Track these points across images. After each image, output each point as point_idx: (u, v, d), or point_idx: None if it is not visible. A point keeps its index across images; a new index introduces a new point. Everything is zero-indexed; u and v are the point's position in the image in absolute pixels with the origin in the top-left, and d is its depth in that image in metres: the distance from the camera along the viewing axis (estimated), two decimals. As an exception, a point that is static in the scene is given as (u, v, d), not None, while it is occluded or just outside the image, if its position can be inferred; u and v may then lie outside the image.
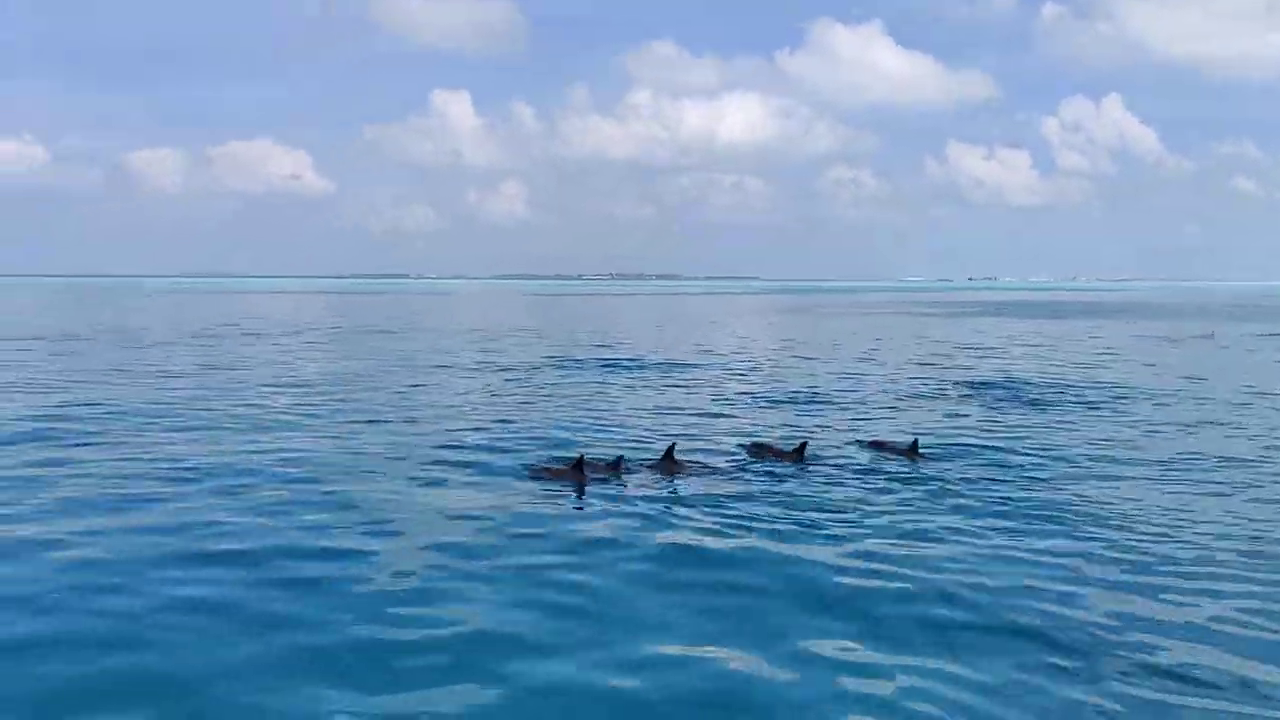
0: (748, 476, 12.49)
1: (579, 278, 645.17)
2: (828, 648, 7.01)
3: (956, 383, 22.88)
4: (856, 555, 9.14)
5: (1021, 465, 13.46)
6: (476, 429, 16.13)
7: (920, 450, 13.82)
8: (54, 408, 18.03)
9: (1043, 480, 12.49)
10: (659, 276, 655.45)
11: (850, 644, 7.11)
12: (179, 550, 9.07)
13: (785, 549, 9.27)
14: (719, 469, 12.93)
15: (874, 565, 8.84)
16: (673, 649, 6.95)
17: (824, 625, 7.45)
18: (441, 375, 25.08)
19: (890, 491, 11.75)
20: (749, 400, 20.33)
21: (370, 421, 16.91)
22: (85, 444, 14.38)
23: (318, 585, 8.20)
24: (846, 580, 8.42)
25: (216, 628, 7.26)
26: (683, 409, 19.03)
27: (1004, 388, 22.27)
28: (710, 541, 9.54)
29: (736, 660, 6.77)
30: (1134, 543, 9.55)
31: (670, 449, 12.93)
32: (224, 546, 9.24)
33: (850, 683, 6.48)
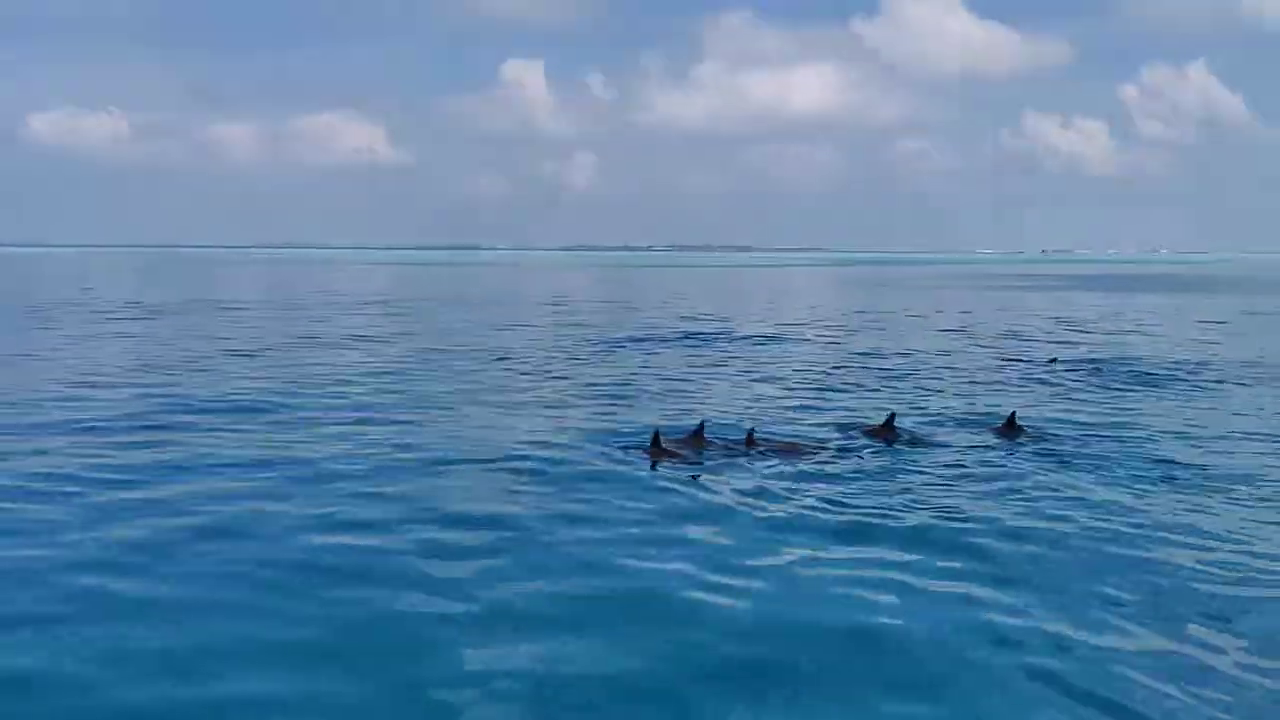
0: (855, 455, 12.37)
1: (648, 248, 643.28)
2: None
3: (1052, 360, 22.36)
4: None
5: (1140, 440, 13.32)
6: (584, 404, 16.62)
7: (1018, 425, 13.65)
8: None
9: (1171, 457, 12.29)
10: (727, 248, 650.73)
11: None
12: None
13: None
14: (823, 444, 12.92)
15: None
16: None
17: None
18: (538, 349, 25.50)
19: (1007, 465, 11.75)
20: (848, 374, 20.38)
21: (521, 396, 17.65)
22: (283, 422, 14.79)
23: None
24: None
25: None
26: (781, 381, 19.26)
27: (1101, 363, 21.89)
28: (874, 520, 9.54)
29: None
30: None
31: (751, 433, 12.93)
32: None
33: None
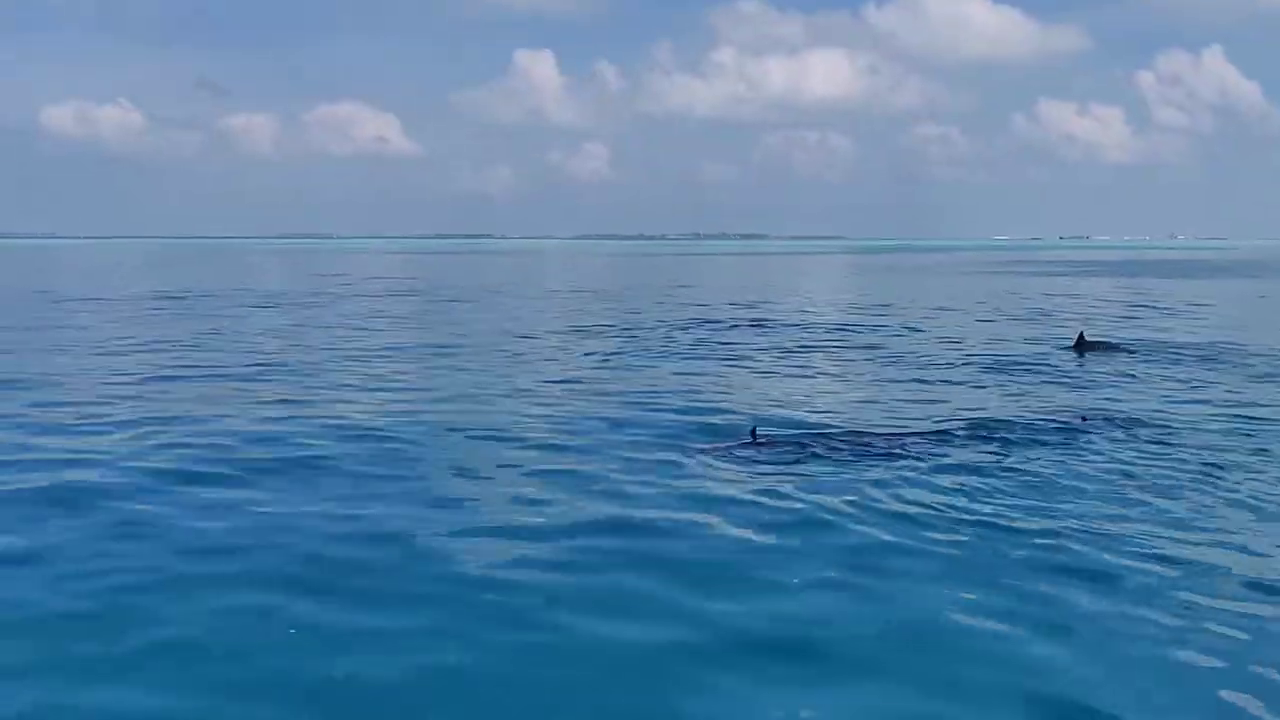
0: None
1: (662, 237, 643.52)
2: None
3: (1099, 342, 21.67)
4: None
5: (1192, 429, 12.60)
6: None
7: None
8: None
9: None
10: (744, 236, 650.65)
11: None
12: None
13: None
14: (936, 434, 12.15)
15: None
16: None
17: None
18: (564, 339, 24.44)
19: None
20: (921, 368, 19.33)
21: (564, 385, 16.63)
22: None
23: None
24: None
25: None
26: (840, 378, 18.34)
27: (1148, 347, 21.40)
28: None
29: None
30: None
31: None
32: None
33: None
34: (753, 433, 11.63)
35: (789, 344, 22.97)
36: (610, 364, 19.44)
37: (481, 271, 76.76)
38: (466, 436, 12.33)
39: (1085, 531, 8.29)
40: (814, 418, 13.62)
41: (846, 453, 11.15)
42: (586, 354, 20.85)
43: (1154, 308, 34.62)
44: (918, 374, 18.09)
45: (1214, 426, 12.90)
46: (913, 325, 27.50)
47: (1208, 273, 71.77)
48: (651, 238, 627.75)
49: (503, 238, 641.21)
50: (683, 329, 26.21)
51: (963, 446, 11.51)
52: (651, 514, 8.99)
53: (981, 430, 12.37)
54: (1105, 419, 13.08)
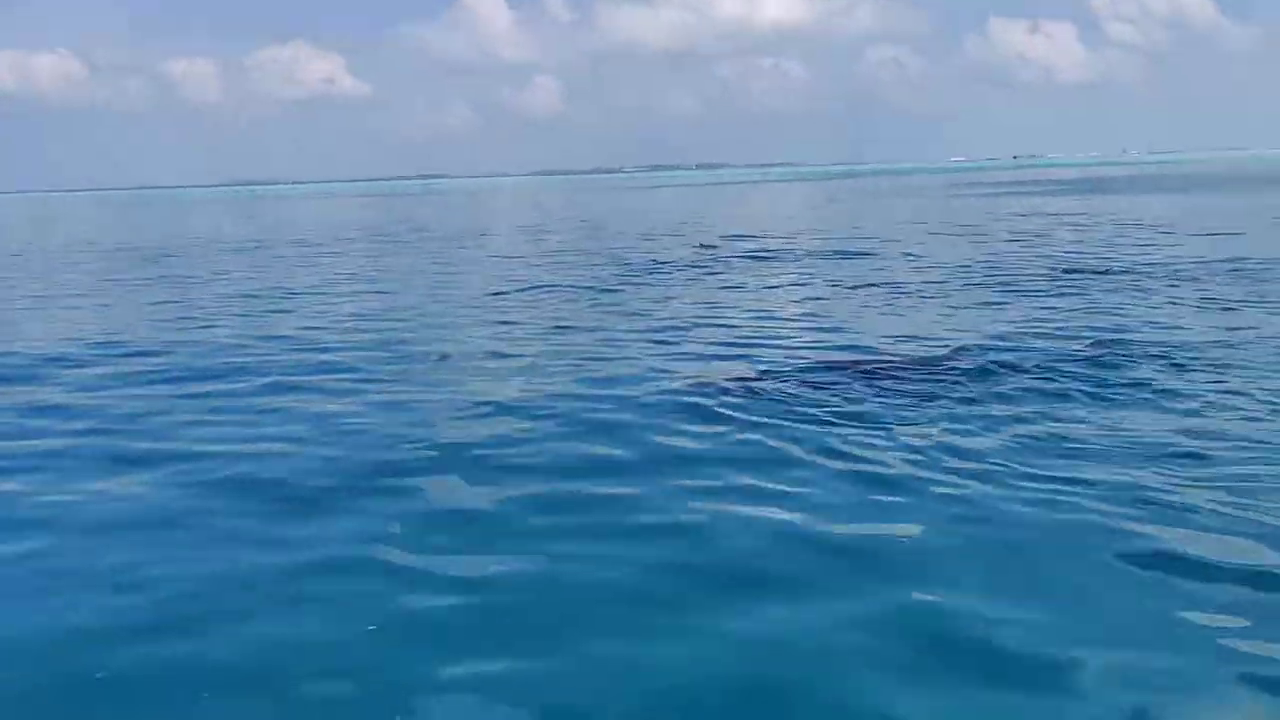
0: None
1: (619, 170, 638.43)
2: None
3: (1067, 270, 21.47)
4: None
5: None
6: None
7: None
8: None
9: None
10: (701, 166, 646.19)
11: None
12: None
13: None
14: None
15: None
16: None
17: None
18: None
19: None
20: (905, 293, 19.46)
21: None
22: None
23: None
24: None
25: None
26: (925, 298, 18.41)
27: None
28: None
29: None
30: None
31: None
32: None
33: None
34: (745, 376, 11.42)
35: (790, 274, 23.06)
36: (602, 303, 19.07)
37: (455, 213, 75.94)
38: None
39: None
40: (822, 349, 13.42)
41: (864, 387, 10.72)
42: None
43: (1141, 226, 34.82)
44: (922, 301, 18.15)
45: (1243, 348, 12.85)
46: (909, 251, 27.66)
47: (1177, 188, 72.17)
48: (609, 171, 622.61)
49: (457, 177, 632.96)
50: (680, 261, 26.31)
51: (982, 378, 10.99)
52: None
53: (1000, 358, 11.94)
54: (1118, 343, 12.84)
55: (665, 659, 5.15)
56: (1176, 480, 7.49)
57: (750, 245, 30.57)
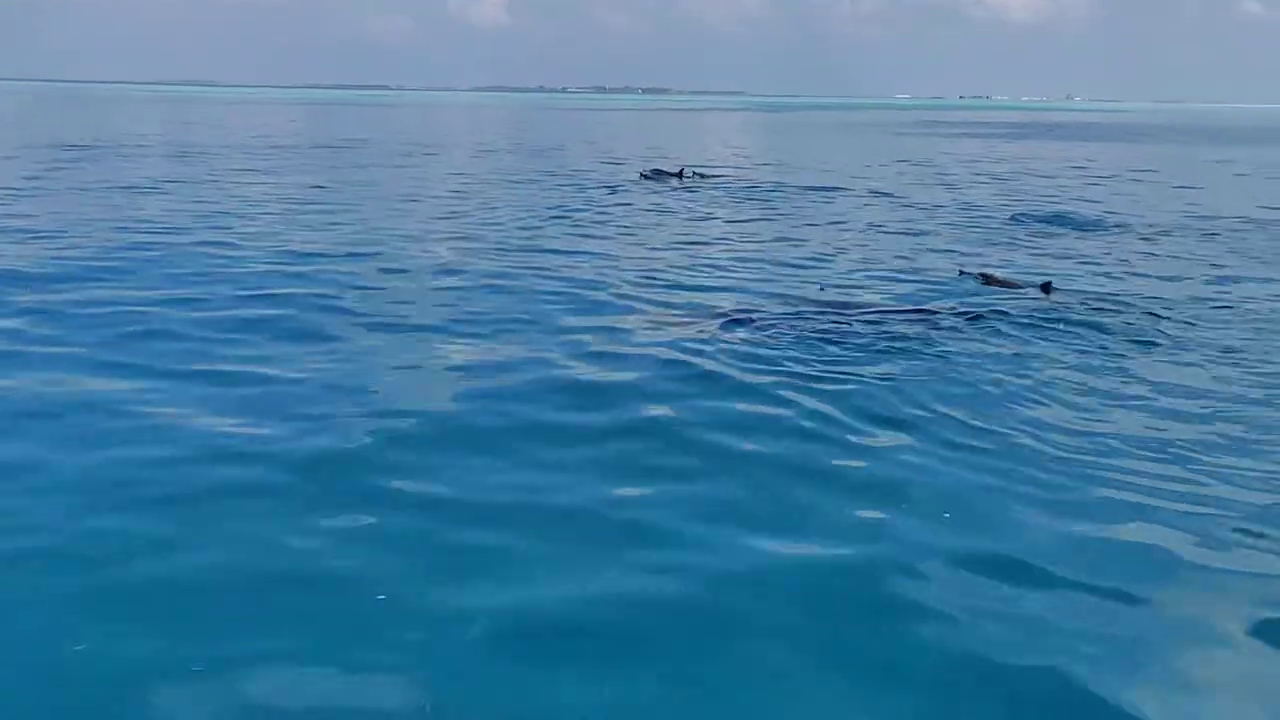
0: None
1: (564, 90, 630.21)
2: None
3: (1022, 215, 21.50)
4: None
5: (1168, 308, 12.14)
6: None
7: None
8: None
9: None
10: (647, 90, 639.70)
11: None
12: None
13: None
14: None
15: None
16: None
17: None
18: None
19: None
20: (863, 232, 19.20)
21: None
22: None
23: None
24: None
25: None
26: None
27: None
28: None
29: None
30: None
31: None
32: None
33: None
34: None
35: (760, 210, 22.52)
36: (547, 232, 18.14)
37: (406, 126, 73.99)
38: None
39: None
40: (796, 292, 12.95)
41: (831, 332, 10.37)
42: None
43: (1116, 177, 34.77)
44: (894, 241, 17.95)
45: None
46: (880, 189, 27.38)
47: (1132, 137, 72.75)
48: (553, 90, 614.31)
49: (400, 89, 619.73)
50: (635, 187, 25.90)
51: (951, 328, 10.67)
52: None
53: (972, 307, 11.68)
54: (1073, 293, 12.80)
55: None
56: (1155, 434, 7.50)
57: (723, 177, 30.04)
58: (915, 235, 18.52)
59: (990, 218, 21.17)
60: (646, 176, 28.20)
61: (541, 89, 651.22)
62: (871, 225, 19.80)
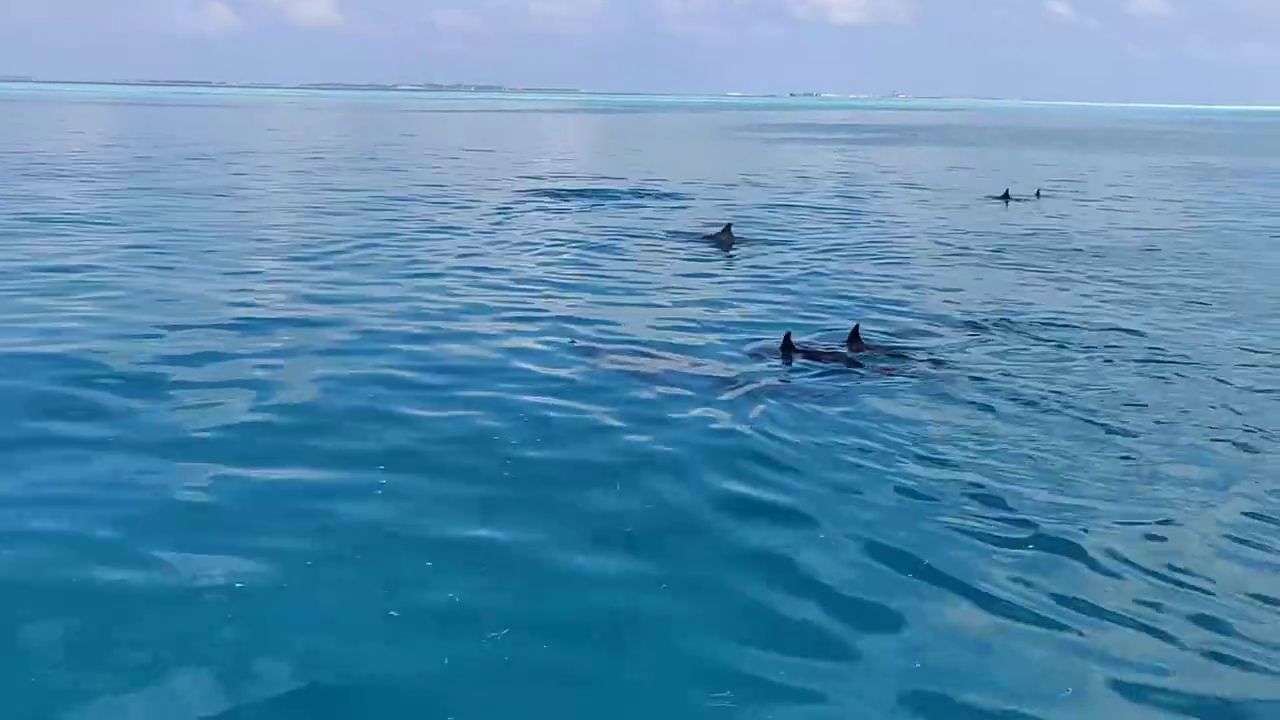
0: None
1: (395, 88, 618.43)
2: None
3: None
4: None
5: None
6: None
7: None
8: None
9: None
10: (480, 88, 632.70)
11: None
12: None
13: None
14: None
15: None
16: None
17: None
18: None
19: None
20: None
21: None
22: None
23: None
24: None
25: None
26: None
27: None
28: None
29: None
30: None
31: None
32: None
33: None
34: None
35: (689, 225, 20.38)
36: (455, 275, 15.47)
37: (242, 130, 68.58)
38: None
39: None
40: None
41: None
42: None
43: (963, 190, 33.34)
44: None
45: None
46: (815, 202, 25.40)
47: (988, 140, 73.01)
48: (384, 88, 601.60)
49: (223, 85, 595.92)
50: (543, 204, 23.63)
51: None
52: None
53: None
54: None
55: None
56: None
57: (594, 187, 27.85)
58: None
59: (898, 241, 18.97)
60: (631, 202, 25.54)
61: (373, 86, 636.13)
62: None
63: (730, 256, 17.11)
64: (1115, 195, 30.66)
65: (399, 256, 16.41)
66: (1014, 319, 12.52)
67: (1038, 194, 28.47)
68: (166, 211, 21.47)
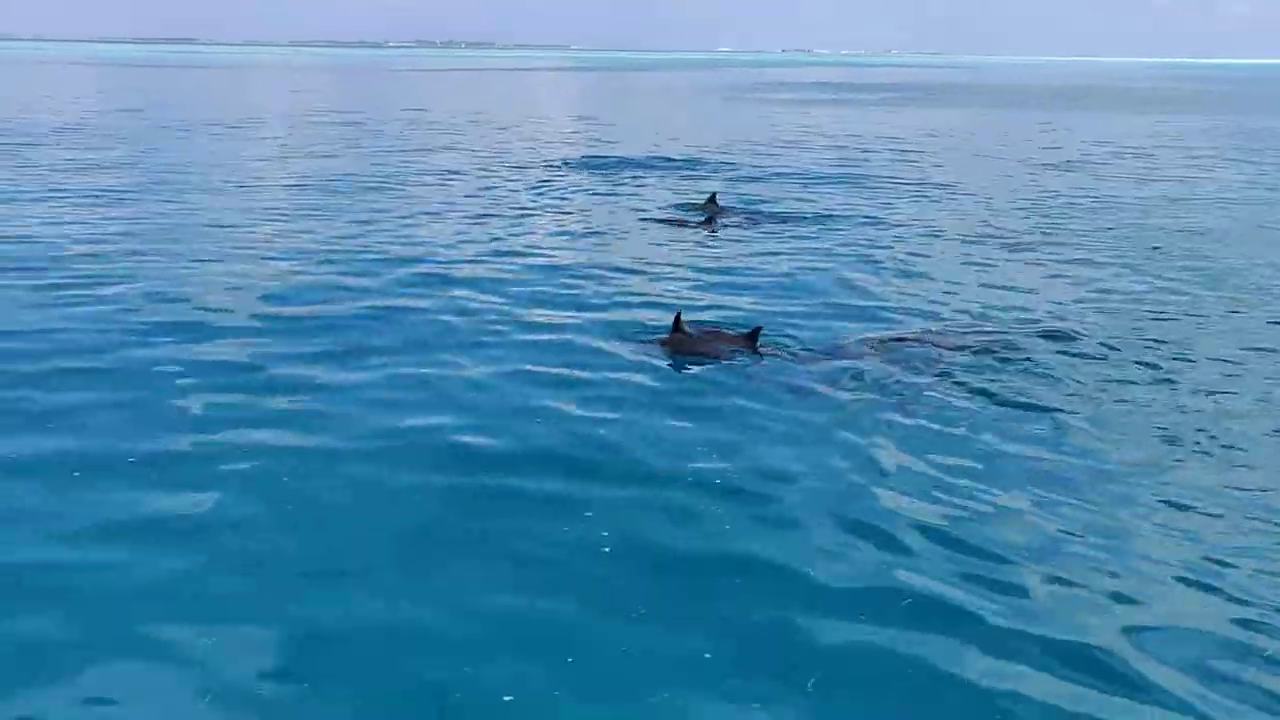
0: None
1: (385, 44, 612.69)
2: None
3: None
4: None
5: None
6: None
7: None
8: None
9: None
10: (470, 45, 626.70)
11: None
12: None
13: None
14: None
15: None
16: None
17: None
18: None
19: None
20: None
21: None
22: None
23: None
24: None
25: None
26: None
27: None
28: None
29: None
30: None
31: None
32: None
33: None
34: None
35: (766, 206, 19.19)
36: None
37: (272, 93, 67.02)
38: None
39: None
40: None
41: None
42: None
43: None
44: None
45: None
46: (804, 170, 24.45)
47: (1015, 103, 71.31)
48: (373, 45, 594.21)
49: (211, 43, 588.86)
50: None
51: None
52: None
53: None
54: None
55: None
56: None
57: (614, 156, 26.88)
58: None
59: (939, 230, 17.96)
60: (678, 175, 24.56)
61: (361, 44, 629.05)
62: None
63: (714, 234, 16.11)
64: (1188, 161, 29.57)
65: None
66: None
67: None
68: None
